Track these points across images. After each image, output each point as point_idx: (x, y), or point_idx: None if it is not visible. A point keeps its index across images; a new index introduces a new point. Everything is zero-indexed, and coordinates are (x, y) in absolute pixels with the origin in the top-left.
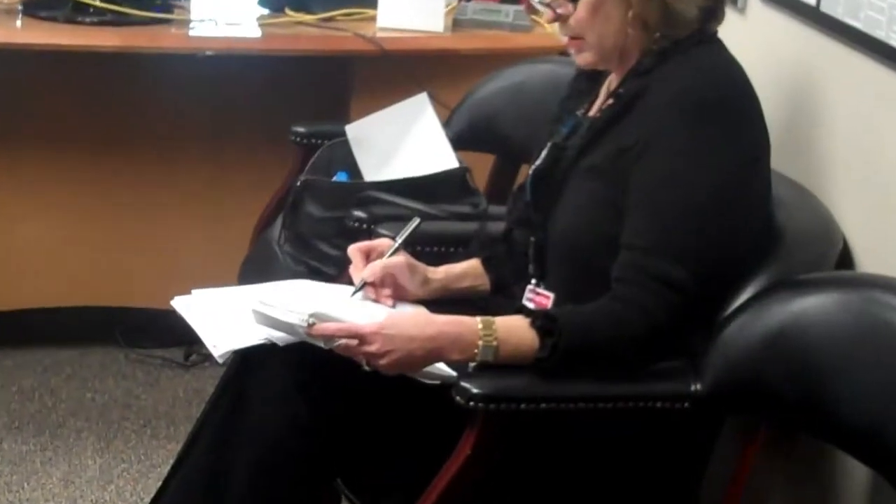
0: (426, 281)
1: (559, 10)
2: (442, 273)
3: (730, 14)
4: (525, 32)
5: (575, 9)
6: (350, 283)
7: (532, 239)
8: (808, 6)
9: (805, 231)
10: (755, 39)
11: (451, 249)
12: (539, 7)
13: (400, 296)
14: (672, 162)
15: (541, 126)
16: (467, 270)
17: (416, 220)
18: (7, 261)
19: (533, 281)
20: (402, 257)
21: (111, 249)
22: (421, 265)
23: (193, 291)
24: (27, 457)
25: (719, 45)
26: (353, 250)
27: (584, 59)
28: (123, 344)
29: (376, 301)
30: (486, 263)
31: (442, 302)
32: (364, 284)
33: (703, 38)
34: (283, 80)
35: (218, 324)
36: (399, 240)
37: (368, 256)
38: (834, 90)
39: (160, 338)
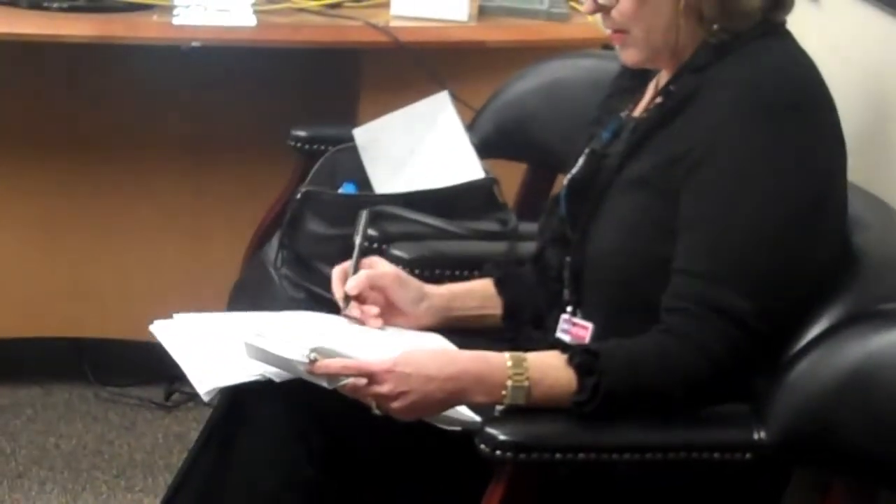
0: (422, 297)
1: (601, 1)
2: (443, 290)
3: (801, 1)
4: (562, 22)
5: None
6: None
7: (567, 259)
8: None
9: (887, 255)
10: (831, 31)
11: (476, 273)
12: None
13: (392, 316)
14: (734, 175)
15: (580, 130)
16: (474, 289)
17: (364, 213)
18: None
19: (568, 309)
20: (389, 268)
21: (79, 271)
22: (415, 280)
23: (175, 316)
24: None
25: (788, 37)
26: (337, 269)
27: (629, 56)
28: (93, 381)
29: (363, 322)
30: (499, 284)
31: (461, 332)
32: (348, 301)
33: (769, 30)
34: (282, 77)
35: (204, 355)
36: (358, 237)
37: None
38: None
39: (136, 374)
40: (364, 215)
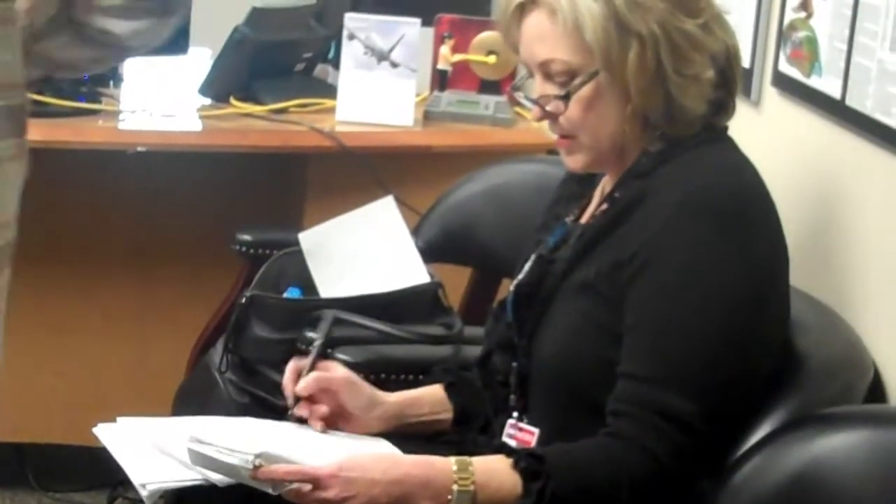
0: (374, 403)
1: (548, 108)
2: (395, 397)
3: (742, 107)
4: (507, 127)
5: (566, 107)
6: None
7: (514, 365)
8: (831, 99)
9: (829, 359)
10: (771, 136)
11: (421, 377)
12: (525, 103)
13: (343, 421)
14: (677, 279)
15: (525, 235)
16: (425, 396)
17: (331, 314)
18: None
19: (514, 414)
20: (342, 372)
21: (22, 375)
22: (367, 385)
23: (119, 420)
24: None
25: (729, 143)
26: (291, 365)
27: (575, 161)
28: (36, 486)
29: (308, 423)
30: (450, 390)
31: (408, 437)
32: (298, 401)
33: (711, 136)
34: (227, 181)
35: (147, 458)
36: (318, 338)
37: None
38: (862, 195)
39: (80, 479)
40: (329, 316)
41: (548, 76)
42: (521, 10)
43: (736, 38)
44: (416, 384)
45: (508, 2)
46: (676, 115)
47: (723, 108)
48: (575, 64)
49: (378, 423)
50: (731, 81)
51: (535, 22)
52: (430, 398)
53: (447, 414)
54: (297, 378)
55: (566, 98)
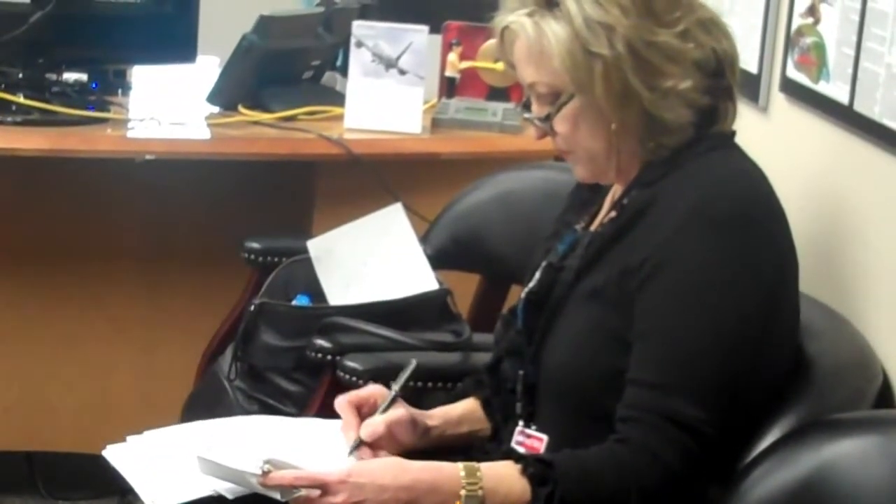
0: (425, 431)
1: (542, 126)
2: (439, 420)
3: (750, 113)
4: (515, 134)
5: (551, 128)
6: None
7: (521, 373)
8: (839, 104)
9: (839, 364)
10: (779, 142)
11: (429, 385)
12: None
13: (394, 451)
14: (687, 286)
15: (534, 242)
16: (465, 415)
17: (413, 363)
18: None
19: (521, 422)
20: (402, 410)
21: (30, 384)
22: (422, 419)
23: (129, 438)
24: None
25: (736, 149)
26: (343, 405)
27: (578, 173)
28: (45, 494)
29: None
30: (487, 407)
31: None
32: (360, 444)
33: (717, 143)
34: (236, 189)
35: (158, 474)
36: (395, 388)
37: (360, 409)
38: (870, 201)
39: (88, 487)
40: (412, 365)
41: (538, 97)
42: (505, 37)
43: (732, 40)
44: (424, 391)
45: (493, 29)
46: (660, 127)
47: (717, 113)
48: (556, 86)
49: (423, 445)
50: (724, 86)
51: (518, 47)
52: (469, 417)
53: (485, 431)
54: (354, 412)
55: (548, 120)
